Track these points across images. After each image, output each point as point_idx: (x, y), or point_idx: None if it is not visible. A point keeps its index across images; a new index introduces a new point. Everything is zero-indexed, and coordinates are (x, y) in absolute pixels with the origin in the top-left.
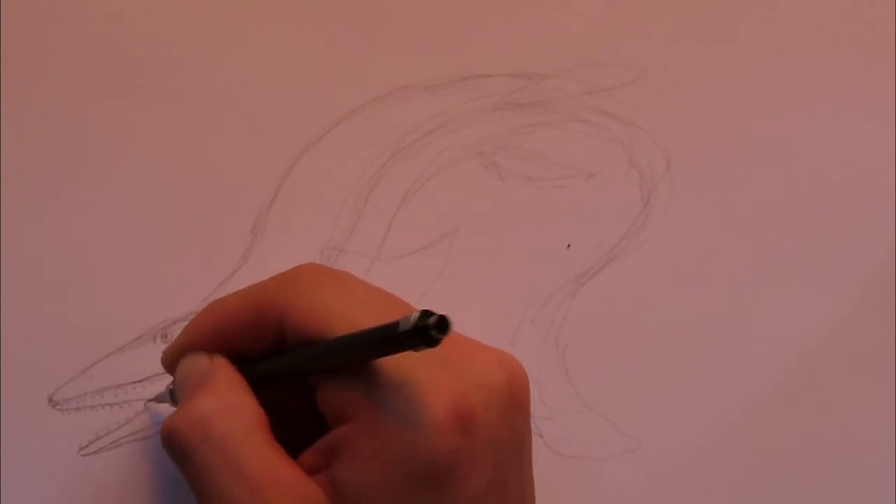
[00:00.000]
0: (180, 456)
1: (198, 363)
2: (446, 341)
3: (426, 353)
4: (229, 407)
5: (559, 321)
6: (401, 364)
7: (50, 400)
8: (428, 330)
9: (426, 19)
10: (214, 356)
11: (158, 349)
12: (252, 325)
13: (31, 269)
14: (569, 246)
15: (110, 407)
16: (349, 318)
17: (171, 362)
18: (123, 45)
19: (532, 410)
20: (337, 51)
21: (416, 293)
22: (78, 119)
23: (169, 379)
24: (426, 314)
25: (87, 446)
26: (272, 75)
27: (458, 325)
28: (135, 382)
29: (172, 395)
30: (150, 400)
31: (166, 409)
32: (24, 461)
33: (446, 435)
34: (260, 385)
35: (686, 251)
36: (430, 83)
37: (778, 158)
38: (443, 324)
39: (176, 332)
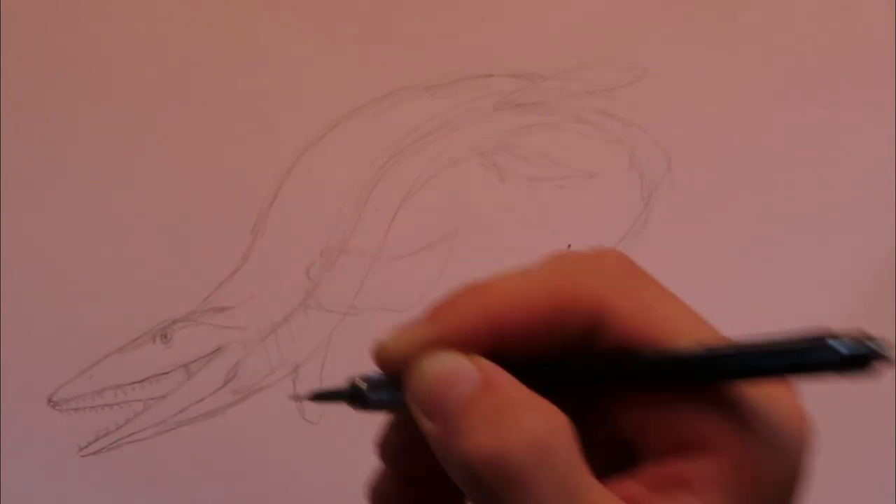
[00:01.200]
0: (507, 484)
1: (458, 365)
2: None
3: None
4: (558, 425)
5: None
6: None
7: (50, 400)
8: (868, 358)
9: (426, 20)
10: (478, 361)
11: (158, 349)
12: (548, 321)
13: (31, 269)
14: (569, 246)
15: (110, 407)
16: (692, 325)
17: (395, 358)
18: (124, 45)
19: None
20: (337, 51)
21: (416, 293)
22: (78, 119)
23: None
24: (868, 337)
25: (87, 446)
26: (272, 76)
27: None
28: (135, 383)
29: (368, 396)
30: (314, 398)
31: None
32: (24, 461)
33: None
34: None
35: (686, 251)
36: (431, 83)
37: (778, 159)
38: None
39: (176, 332)
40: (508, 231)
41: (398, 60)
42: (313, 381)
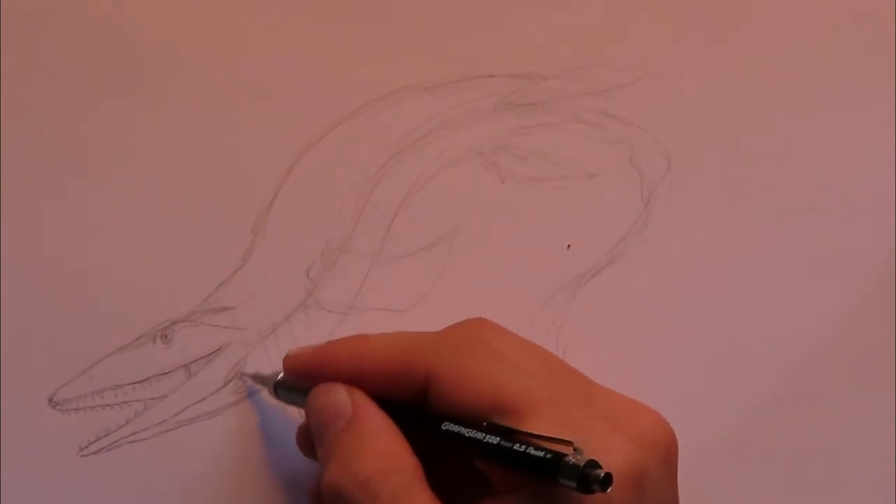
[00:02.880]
0: None
1: (338, 399)
2: (601, 395)
3: (594, 412)
4: (391, 466)
5: (559, 322)
6: (572, 424)
7: (50, 400)
8: (590, 483)
9: (426, 19)
10: (355, 395)
11: (158, 349)
12: (396, 375)
13: (31, 269)
14: (569, 246)
15: (110, 407)
16: (492, 399)
17: (297, 370)
18: (123, 45)
19: None
20: (337, 51)
21: (416, 293)
22: (78, 119)
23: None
24: (593, 464)
25: (87, 446)
26: (272, 75)
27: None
28: (135, 383)
29: (278, 390)
30: (249, 375)
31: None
32: (24, 461)
33: (624, 492)
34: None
35: (686, 251)
36: (431, 83)
37: (778, 159)
38: (606, 480)
39: (176, 332)
40: (508, 231)
41: (398, 60)
42: None
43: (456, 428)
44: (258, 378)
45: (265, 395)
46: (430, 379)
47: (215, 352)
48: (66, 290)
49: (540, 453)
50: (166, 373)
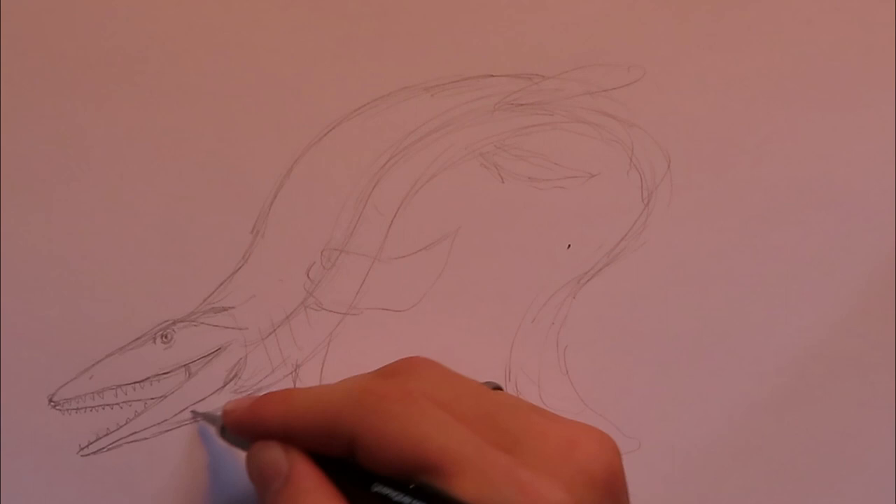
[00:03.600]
0: None
1: (275, 458)
2: (534, 434)
3: (524, 459)
4: None
5: (559, 322)
6: (497, 481)
7: (50, 400)
8: None
9: (426, 20)
10: (291, 453)
11: (158, 349)
12: (322, 435)
13: (31, 269)
14: (569, 246)
15: (110, 407)
16: (426, 453)
17: (234, 426)
18: (123, 45)
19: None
20: (337, 51)
21: (416, 293)
22: (77, 118)
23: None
24: None
25: (87, 446)
26: (272, 76)
27: (459, 326)
28: (135, 383)
29: (225, 434)
30: (200, 414)
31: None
32: (24, 461)
33: None
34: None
35: (686, 252)
36: (431, 83)
37: (778, 159)
38: None
39: (176, 332)
40: (508, 231)
41: (398, 60)
42: (313, 380)
43: (385, 490)
44: (208, 417)
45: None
46: (354, 440)
47: (215, 352)
48: (67, 290)
49: None
50: (166, 373)
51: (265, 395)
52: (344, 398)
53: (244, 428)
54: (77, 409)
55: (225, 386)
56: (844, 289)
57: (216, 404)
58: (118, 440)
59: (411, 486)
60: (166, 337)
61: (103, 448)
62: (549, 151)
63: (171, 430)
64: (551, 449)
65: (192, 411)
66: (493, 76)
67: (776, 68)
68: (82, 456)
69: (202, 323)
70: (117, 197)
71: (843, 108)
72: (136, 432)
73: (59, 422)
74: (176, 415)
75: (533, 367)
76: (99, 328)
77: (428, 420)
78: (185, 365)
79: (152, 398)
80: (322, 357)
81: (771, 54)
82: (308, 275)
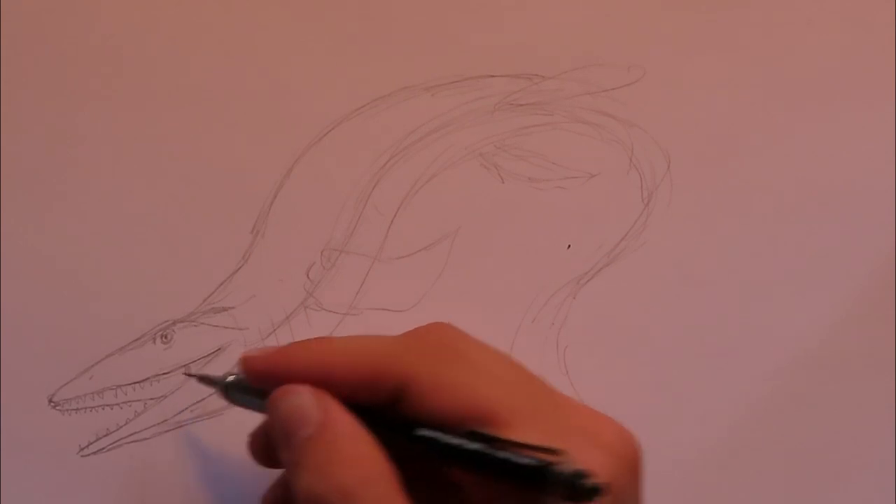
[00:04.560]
0: None
1: (305, 402)
2: (568, 405)
3: (568, 422)
4: (371, 474)
5: (560, 322)
6: (551, 435)
7: (50, 400)
8: (578, 492)
9: (427, 20)
10: (323, 398)
11: (158, 349)
12: (366, 380)
13: (31, 269)
14: (569, 246)
15: (110, 407)
16: (480, 402)
17: (257, 371)
18: (124, 45)
19: None
20: (337, 51)
21: (416, 293)
22: (77, 119)
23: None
24: (580, 474)
25: (87, 446)
26: (272, 76)
27: (459, 326)
28: (135, 383)
29: (230, 391)
30: (196, 376)
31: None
32: (24, 461)
33: None
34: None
35: (686, 251)
36: (431, 84)
37: (778, 159)
38: (593, 491)
39: (176, 332)
40: (508, 232)
41: (398, 60)
42: None
43: (434, 434)
44: (206, 380)
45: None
46: (404, 386)
47: (215, 352)
48: (67, 290)
49: (527, 461)
50: (166, 373)
51: (293, 342)
52: (393, 343)
53: (269, 373)
54: (77, 409)
55: None
56: (844, 289)
57: (216, 404)
58: (118, 440)
59: (466, 431)
60: (166, 337)
61: (103, 448)
62: (549, 151)
63: (170, 430)
64: (586, 421)
65: (186, 372)
66: (493, 76)
67: (776, 68)
68: (82, 456)
69: (202, 323)
70: (117, 197)
71: (843, 108)
72: (136, 432)
73: (59, 422)
74: (176, 415)
75: (533, 368)
76: (99, 328)
77: (480, 373)
78: (185, 365)
79: (152, 398)
80: None
81: (771, 54)
82: (308, 275)
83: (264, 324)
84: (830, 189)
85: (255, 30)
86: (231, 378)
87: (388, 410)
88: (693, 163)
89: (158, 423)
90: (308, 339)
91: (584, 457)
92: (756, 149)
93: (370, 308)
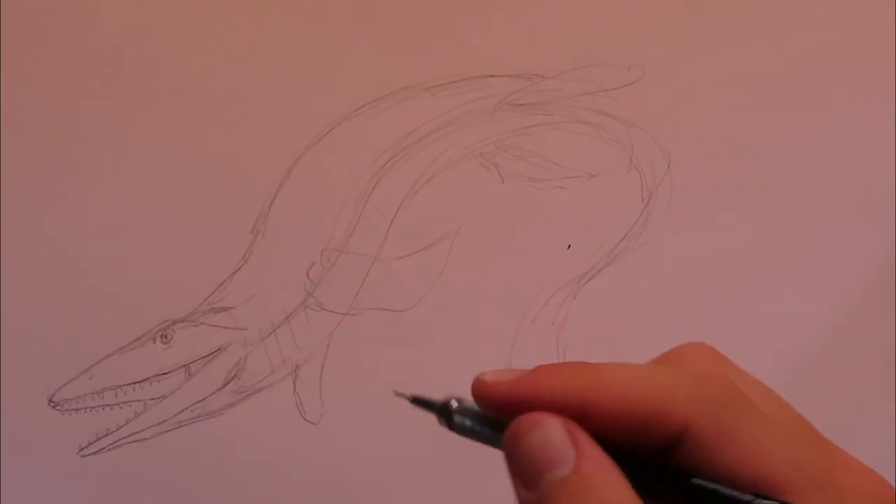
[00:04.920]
0: None
1: (556, 439)
2: (841, 460)
3: (850, 492)
4: None
5: (560, 322)
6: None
7: (50, 400)
8: None
9: (427, 20)
10: (578, 434)
11: (158, 349)
12: (640, 420)
13: (31, 269)
14: (569, 246)
15: (110, 407)
16: (777, 464)
17: (496, 400)
18: (124, 45)
19: None
20: (337, 51)
21: (416, 293)
22: (78, 120)
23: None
24: None
25: (87, 446)
26: (273, 76)
27: (459, 326)
28: (135, 383)
29: (455, 419)
30: (407, 397)
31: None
32: (24, 461)
33: None
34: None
35: (686, 251)
36: (431, 84)
37: (778, 159)
38: None
39: (176, 332)
40: (508, 231)
41: (398, 60)
42: (313, 381)
43: (718, 487)
44: (421, 402)
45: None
46: (688, 432)
47: (215, 352)
48: (67, 290)
49: None
50: (166, 373)
51: (540, 367)
52: (675, 381)
53: (515, 402)
54: (77, 409)
55: (225, 386)
56: (844, 288)
57: (216, 404)
58: (118, 440)
59: (753, 493)
60: (166, 337)
61: (103, 448)
62: (549, 151)
63: (171, 430)
64: (863, 485)
65: (396, 392)
66: (493, 76)
67: (776, 68)
68: (82, 456)
69: (202, 323)
70: (117, 197)
71: (843, 108)
72: (136, 432)
73: (59, 422)
74: (176, 415)
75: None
76: (99, 328)
77: (767, 426)
78: (185, 365)
79: (152, 398)
80: (322, 357)
81: (771, 54)
82: (308, 275)
83: (264, 324)
84: (830, 189)
85: (255, 30)
86: (454, 403)
87: (656, 456)
88: (693, 163)
89: (158, 423)
90: (559, 365)
91: None
92: (756, 149)
93: (370, 308)
